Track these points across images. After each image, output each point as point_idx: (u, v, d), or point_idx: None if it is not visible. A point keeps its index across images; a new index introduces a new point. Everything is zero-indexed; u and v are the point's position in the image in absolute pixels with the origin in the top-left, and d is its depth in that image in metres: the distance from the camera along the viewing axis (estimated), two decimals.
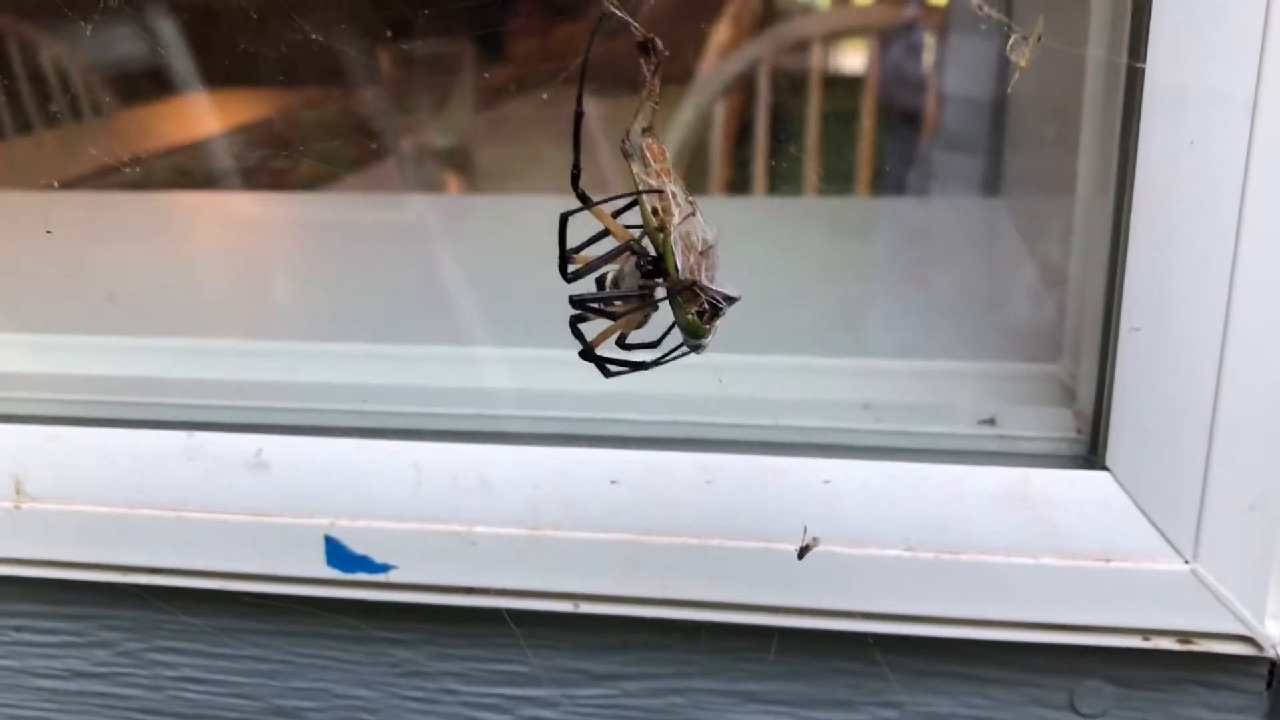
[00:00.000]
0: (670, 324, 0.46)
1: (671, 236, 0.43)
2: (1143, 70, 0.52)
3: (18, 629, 0.74)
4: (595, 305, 0.47)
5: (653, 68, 0.45)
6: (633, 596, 0.63)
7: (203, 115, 1.10)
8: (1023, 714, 0.64)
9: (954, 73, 1.21)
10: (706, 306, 0.43)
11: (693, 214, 0.44)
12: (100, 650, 0.73)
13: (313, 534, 0.64)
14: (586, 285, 0.47)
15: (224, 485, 0.66)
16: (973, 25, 1.12)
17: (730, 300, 0.43)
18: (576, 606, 0.64)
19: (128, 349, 0.76)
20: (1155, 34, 0.51)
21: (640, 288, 0.46)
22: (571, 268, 0.46)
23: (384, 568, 0.64)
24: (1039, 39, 0.51)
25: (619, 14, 0.46)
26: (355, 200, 1.24)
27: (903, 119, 1.39)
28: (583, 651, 0.67)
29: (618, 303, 0.47)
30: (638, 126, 0.45)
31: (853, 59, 1.44)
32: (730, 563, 0.61)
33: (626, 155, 0.44)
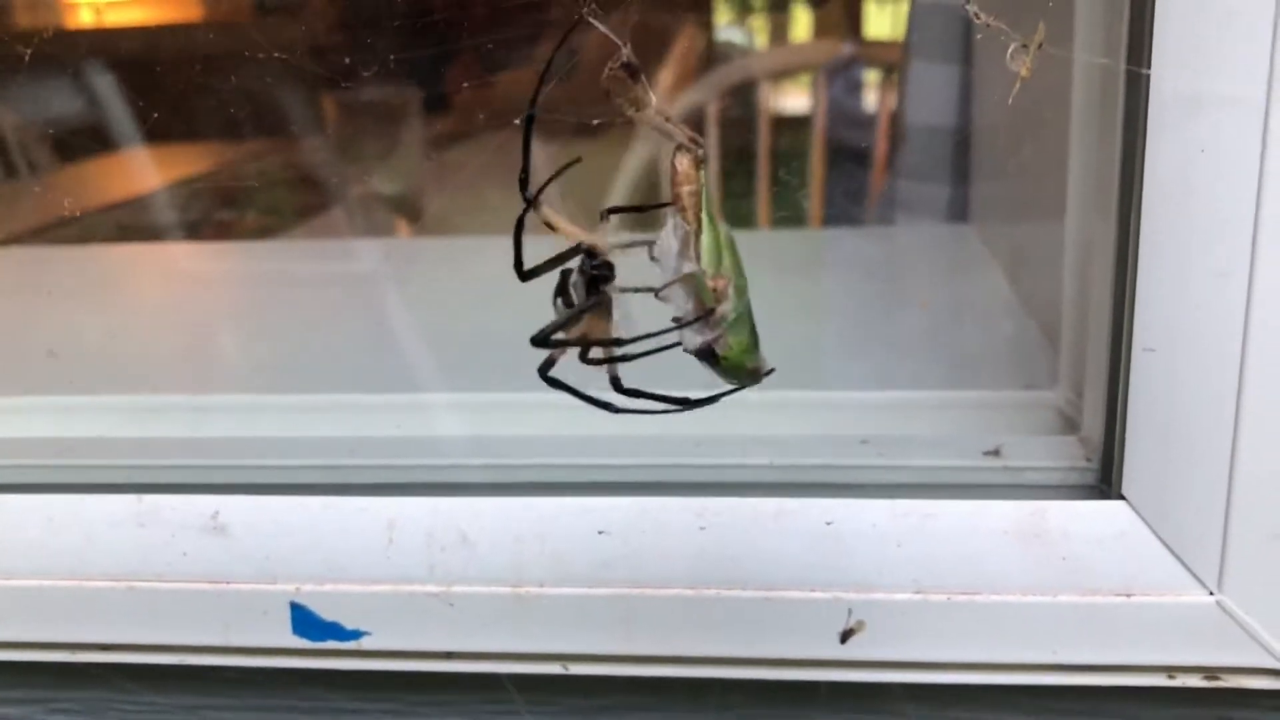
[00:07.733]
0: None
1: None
2: (1147, 77, 0.49)
3: None
4: (559, 333, 0.46)
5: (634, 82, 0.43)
6: (627, 655, 0.58)
7: (144, 170, 1.06)
8: None
9: (917, 106, 1.20)
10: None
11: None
12: None
13: (277, 601, 0.60)
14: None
15: (179, 551, 0.61)
16: (937, 55, 1.11)
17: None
18: (566, 668, 0.59)
19: (70, 408, 0.71)
20: (1160, 38, 0.48)
21: (589, 292, 0.46)
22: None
23: (355, 634, 0.60)
24: (1040, 46, 0.48)
25: (598, 27, 0.44)
26: (304, 249, 1.20)
27: (861, 153, 1.37)
28: (574, 717, 0.63)
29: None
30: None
31: (809, 97, 1.43)
32: (730, 614, 0.57)
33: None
